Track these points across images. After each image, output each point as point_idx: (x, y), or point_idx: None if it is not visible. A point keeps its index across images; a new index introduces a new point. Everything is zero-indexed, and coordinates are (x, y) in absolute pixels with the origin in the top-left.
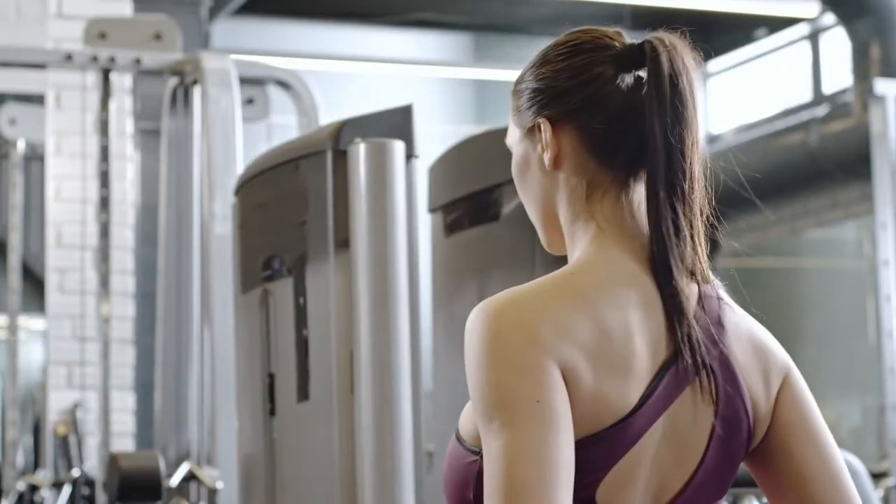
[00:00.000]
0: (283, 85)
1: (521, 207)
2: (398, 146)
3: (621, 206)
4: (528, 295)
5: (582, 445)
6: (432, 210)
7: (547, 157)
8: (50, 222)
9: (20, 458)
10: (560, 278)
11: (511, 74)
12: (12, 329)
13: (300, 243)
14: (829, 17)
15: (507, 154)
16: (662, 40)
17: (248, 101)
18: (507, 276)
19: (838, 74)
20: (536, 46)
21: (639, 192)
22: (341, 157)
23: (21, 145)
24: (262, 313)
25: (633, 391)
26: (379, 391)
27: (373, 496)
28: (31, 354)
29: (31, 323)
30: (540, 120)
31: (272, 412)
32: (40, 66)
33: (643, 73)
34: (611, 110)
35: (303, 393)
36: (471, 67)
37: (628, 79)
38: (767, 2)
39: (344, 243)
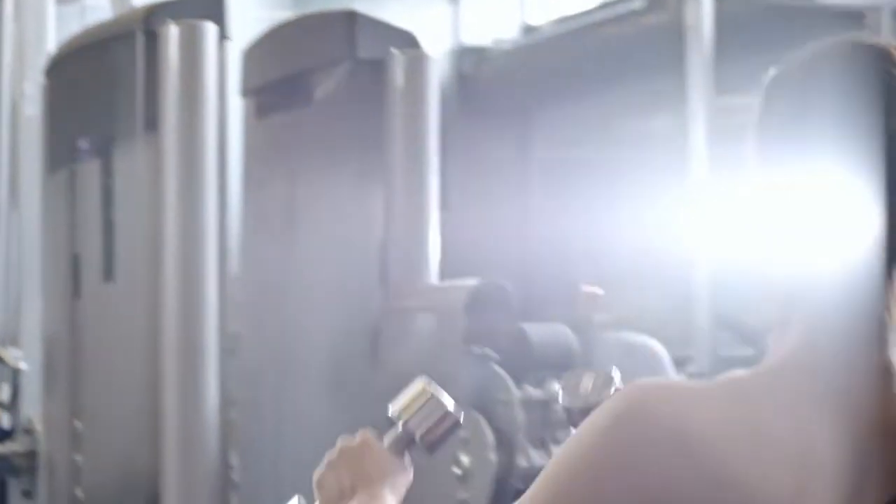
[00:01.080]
0: None
1: (334, 94)
2: (210, 28)
3: None
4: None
5: None
6: (245, 94)
7: None
8: None
9: None
10: (742, 381)
11: None
12: None
13: (109, 125)
14: None
15: (323, 40)
16: None
17: None
18: (318, 161)
19: None
20: None
21: None
22: (152, 39)
23: None
24: (69, 194)
25: None
26: (185, 272)
27: (177, 375)
28: None
29: None
30: None
31: (77, 293)
32: None
33: None
34: None
35: (108, 274)
36: None
37: None
38: None
39: (153, 125)
